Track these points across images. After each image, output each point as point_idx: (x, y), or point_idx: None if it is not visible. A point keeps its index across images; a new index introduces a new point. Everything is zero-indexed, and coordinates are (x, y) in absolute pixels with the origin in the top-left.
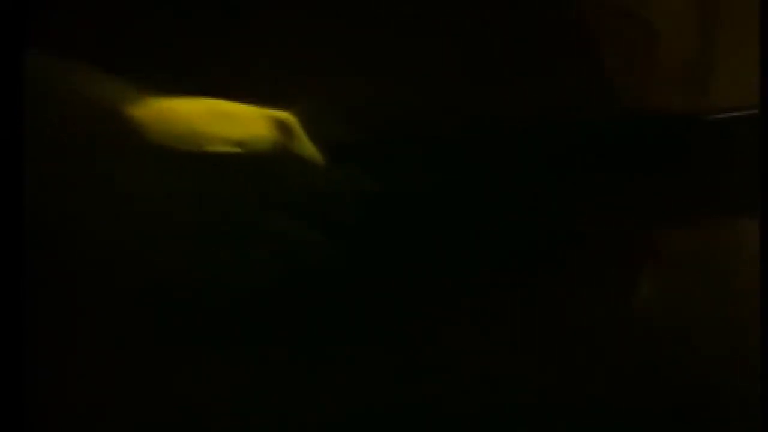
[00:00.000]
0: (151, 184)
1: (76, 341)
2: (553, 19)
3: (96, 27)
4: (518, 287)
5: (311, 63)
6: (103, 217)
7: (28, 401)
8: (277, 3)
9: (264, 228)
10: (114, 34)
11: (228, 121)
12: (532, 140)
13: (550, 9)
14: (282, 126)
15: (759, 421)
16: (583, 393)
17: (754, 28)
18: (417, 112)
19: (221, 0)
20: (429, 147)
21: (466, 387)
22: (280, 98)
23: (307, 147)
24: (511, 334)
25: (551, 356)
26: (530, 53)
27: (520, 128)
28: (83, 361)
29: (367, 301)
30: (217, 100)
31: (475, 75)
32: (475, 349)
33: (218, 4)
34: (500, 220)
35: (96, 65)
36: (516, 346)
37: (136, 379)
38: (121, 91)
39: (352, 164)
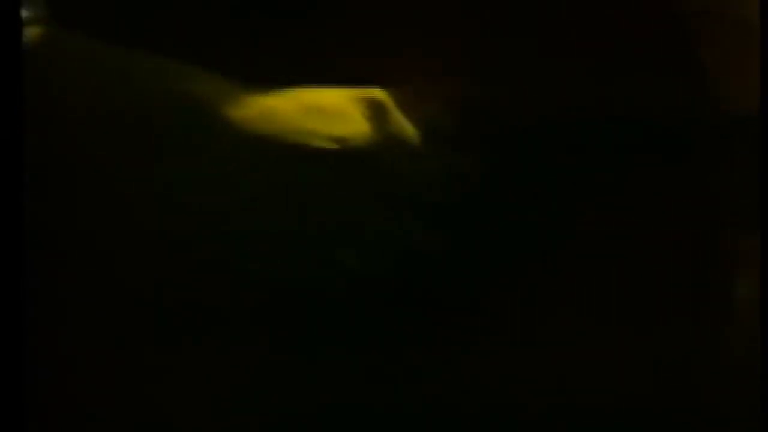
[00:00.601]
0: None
1: (76, 341)
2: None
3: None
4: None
5: (404, 48)
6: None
7: (28, 401)
8: None
9: (357, 223)
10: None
11: (322, 117)
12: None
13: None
14: (376, 106)
15: (759, 421)
16: (583, 393)
17: None
18: (513, 101)
19: None
20: (522, 135)
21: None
22: (374, 83)
23: (402, 127)
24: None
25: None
26: (619, 49)
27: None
28: (83, 361)
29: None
30: (305, 93)
31: (566, 69)
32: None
33: None
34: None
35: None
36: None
37: (136, 378)
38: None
39: (447, 149)
